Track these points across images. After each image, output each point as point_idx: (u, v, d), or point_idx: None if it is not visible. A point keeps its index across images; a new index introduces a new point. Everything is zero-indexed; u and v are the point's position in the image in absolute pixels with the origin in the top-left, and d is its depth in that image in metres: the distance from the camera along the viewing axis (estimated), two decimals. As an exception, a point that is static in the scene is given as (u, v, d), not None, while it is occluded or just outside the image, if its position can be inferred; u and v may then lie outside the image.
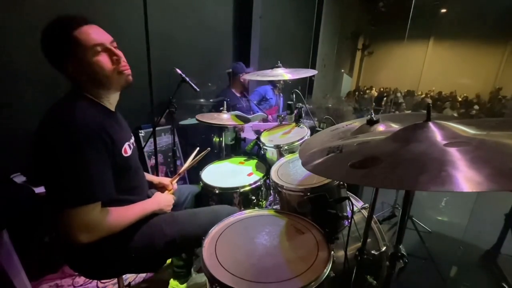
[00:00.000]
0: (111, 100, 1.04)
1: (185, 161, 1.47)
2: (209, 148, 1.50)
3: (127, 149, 1.02)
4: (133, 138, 1.12)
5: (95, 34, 0.92)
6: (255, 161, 1.73)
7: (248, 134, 2.29)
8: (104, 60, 0.93)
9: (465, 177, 0.46)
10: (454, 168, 0.48)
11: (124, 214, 1.00)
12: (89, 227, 0.88)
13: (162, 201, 1.16)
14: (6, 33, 1.65)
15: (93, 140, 0.87)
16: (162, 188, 1.33)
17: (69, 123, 0.85)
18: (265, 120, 2.80)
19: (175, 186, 1.37)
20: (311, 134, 1.59)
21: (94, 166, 0.88)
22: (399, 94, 9.25)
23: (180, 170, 1.41)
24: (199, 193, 1.51)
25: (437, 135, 0.61)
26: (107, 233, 0.93)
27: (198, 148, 1.51)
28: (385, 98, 8.70)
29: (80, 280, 1.75)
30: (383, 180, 0.54)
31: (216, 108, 2.66)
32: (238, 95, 2.99)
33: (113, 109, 1.05)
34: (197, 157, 1.44)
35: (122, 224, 0.98)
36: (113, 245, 1.00)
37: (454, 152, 0.53)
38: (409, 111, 7.61)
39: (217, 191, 1.43)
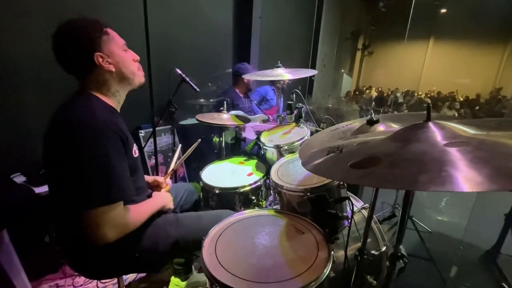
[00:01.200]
0: (121, 100, 1.08)
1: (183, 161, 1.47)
2: (199, 140, 1.50)
3: (136, 150, 1.06)
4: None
5: (118, 35, 1.01)
6: (255, 161, 1.73)
7: (249, 134, 2.29)
8: (130, 58, 1.03)
9: (465, 177, 0.46)
10: (454, 168, 0.48)
11: (140, 211, 1.02)
12: (116, 225, 0.91)
13: (165, 198, 1.19)
14: (6, 33, 1.65)
15: (114, 140, 0.90)
16: (156, 186, 1.33)
17: (91, 123, 0.86)
18: (265, 121, 2.80)
19: (170, 183, 1.38)
20: (311, 135, 1.59)
21: (118, 165, 0.90)
22: (399, 94, 9.26)
23: (171, 167, 1.42)
24: (198, 197, 1.52)
25: (437, 135, 0.61)
26: (130, 230, 0.96)
27: (180, 145, 1.56)
28: (385, 98, 8.71)
29: (80, 280, 1.75)
30: (383, 180, 0.54)
31: (217, 108, 2.66)
32: (241, 95, 2.98)
33: (118, 110, 1.07)
34: (188, 151, 1.44)
35: (139, 221, 1.00)
36: (118, 245, 1.00)
37: (454, 152, 0.53)
38: (407, 111, 7.64)
39: (217, 191, 1.43)
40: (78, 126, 0.86)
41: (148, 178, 1.34)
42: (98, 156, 0.86)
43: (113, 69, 0.97)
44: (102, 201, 0.87)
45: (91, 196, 0.86)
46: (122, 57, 0.99)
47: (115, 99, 1.04)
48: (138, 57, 1.06)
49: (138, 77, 1.06)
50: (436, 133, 0.61)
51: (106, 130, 0.88)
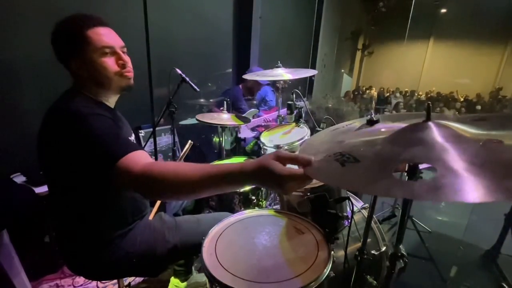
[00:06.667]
0: (110, 100, 1.05)
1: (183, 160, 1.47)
2: (191, 142, 1.49)
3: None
4: (133, 135, 1.12)
5: (107, 36, 0.94)
6: (255, 161, 1.73)
7: (245, 133, 2.29)
8: (109, 62, 0.95)
9: (467, 184, 0.46)
10: (454, 172, 0.48)
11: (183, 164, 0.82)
12: (146, 170, 0.75)
13: (263, 162, 0.89)
14: (6, 33, 1.65)
15: (102, 115, 0.88)
16: None
17: (76, 109, 0.86)
18: (256, 116, 2.80)
19: None
20: (311, 134, 1.59)
21: (117, 128, 0.89)
22: (398, 94, 9.28)
23: None
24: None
25: (437, 135, 0.60)
26: (163, 176, 0.73)
27: (190, 142, 1.52)
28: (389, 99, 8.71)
29: (80, 280, 1.75)
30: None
31: (218, 106, 2.67)
32: (246, 96, 3.00)
33: (112, 106, 1.06)
34: (183, 151, 1.44)
35: (176, 172, 0.73)
36: (115, 250, 1.00)
37: (454, 152, 0.53)
38: (405, 110, 7.64)
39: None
40: (67, 111, 0.87)
41: None
42: (91, 128, 0.83)
43: (85, 75, 0.94)
44: (119, 153, 0.78)
45: (104, 158, 0.79)
46: (96, 63, 0.92)
47: (102, 98, 1.01)
48: (124, 61, 0.97)
49: (117, 82, 0.97)
50: (436, 133, 0.61)
51: (91, 110, 0.87)
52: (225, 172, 0.68)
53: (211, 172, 0.68)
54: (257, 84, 2.96)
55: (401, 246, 0.80)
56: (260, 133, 1.84)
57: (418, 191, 0.48)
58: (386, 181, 0.52)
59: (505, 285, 1.71)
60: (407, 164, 0.63)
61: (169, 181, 0.72)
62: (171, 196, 0.86)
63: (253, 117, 2.76)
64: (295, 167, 0.66)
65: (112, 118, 0.91)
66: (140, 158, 0.79)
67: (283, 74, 1.72)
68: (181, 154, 1.44)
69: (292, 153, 0.69)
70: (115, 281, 1.64)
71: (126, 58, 0.99)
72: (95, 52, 0.92)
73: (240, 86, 3.04)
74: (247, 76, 2.04)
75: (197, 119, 1.78)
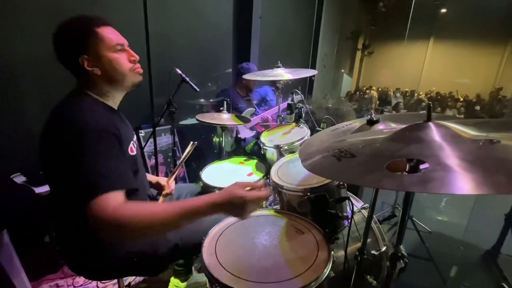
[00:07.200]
0: (116, 100, 1.05)
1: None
2: (194, 142, 1.48)
3: (133, 148, 1.04)
4: (135, 137, 1.12)
5: (115, 34, 0.97)
6: (255, 161, 1.73)
7: (244, 132, 2.28)
8: (123, 58, 0.98)
9: (464, 179, 0.46)
10: (453, 170, 0.48)
11: (148, 207, 0.87)
12: (117, 216, 0.76)
13: (226, 194, 0.89)
14: (6, 33, 1.65)
15: (105, 134, 0.87)
16: (159, 188, 1.32)
17: (79, 121, 0.85)
18: (253, 114, 2.79)
19: (172, 185, 1.36)
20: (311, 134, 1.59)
21: (109, 157, 0.85)
22: (398, 94, 9.29)
23: (175, 169, 1.41)
24: (199, 193, 1.51)
25: (436, 135, 0.61)
26: (132, 224, 0.78)
27: (192, 143, 1.51)
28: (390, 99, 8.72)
29: (80, 280, 1.75)
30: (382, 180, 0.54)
31: (216, 107, 2.66)
32: (242, 95, 2.98)
33: (116, 108, 1.06)
34: (185, 152, 1.44)
35: (147, 216, 0.80)
36: (116, 250, 1.00)
37: (448, 150, 0.53)
38: (406, 111, 7.65)
39: (217, 191, 1.42)
40: (63, 125, 0.85)
41: (152, 179, 1.33)
42: (84, 150, 0.81)
43: (99, 72, 0.94)
44: (93, 192, 0.78)
45: (82, 191, 0.79)
46: (110, 60, 0.95)
47: (109, 99, 1.02)
48: (136, 57, 1.02)
49: (131, 78, 1.01)
50: (436, 133, 0.61)
51: (94, 125, 0.85)
52: (195, 209, 0.81)
53: (181, 211, 0.80)
54: (252, 80, 2.91)
55: (401, 246, 0.80)
56: (260, 133, 1.84)
57: (408, 182, 0.49)
58: (378, 173, 0.54)
59: (505, 285, 1.71)
60: (408, 164, 0.63)
61: (135, 230, 0.79)
62: (140, 238, 0.97)
63: (251, 116, 2.75)
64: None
65: (113, 125, 0.91)
66: (109, 203, 0.77)
67: (283, 74, 1.72)
68: (184, 155, 1.43)
69: (248, 182, 0.89)
70: (115, 281, 1.64)
71: (136, 55, 1.02)
72: (109, 49, 0.94)
73: (234, 86, 3.01)
74: (246, 76, 2.04)
75: (197, 119, 1.78)
